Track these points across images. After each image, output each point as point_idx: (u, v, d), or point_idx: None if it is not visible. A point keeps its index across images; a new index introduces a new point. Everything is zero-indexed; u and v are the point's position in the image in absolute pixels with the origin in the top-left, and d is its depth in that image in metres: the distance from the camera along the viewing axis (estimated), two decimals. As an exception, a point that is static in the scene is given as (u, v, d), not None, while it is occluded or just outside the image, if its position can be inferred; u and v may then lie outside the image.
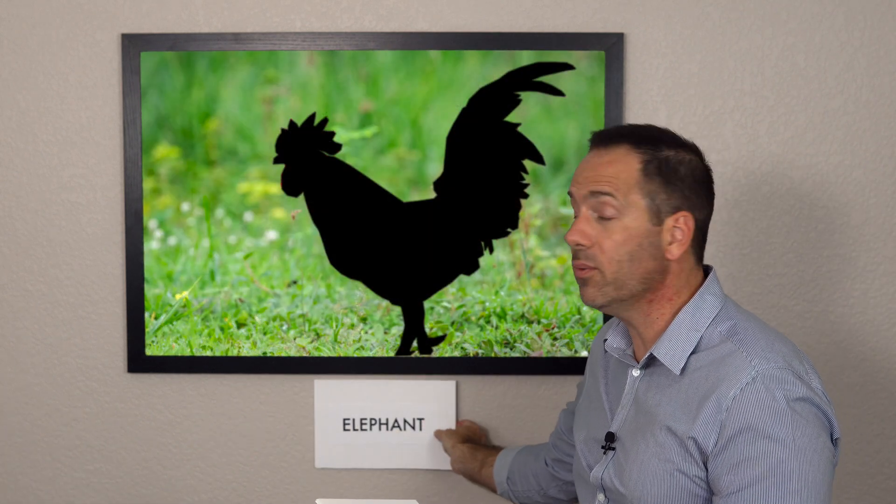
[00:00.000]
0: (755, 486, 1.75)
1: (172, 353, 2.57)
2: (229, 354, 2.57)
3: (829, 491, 1.77)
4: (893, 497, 2.61)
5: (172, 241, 2.56)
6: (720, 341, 1.85)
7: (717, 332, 1.86)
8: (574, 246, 1.88)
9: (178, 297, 2.57)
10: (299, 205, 2.55)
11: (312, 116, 2.53)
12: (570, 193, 1.91)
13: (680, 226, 1.86)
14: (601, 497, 1.96)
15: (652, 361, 1.90)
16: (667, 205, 1.85)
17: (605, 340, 2.00)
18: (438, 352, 2.57)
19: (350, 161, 2.54)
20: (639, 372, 1.92)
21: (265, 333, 2.57)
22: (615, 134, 1.89)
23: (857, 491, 2.61)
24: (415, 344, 2.57)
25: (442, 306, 2.57)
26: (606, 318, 2.54)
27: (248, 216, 2.56)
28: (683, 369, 1.86)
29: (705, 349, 1.86)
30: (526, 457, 2.38)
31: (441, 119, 2.53)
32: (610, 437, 1.94)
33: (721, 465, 1.78)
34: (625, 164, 1.85)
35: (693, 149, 1.90)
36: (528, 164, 2.54)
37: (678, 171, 1.85)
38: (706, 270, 1.93)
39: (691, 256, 1.89)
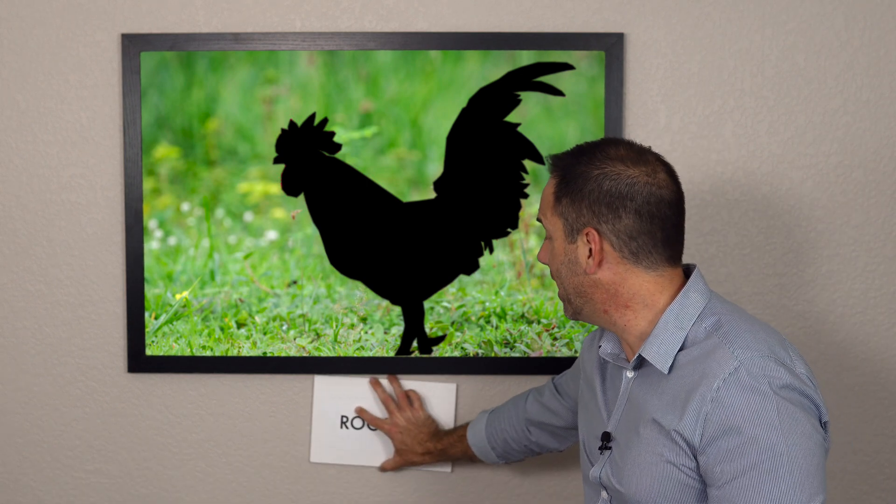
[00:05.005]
0: (748, 473, 1.77)
1: (172, 353, 2.57)
2: (229, 354, 2.57)
3: (821, 473, 1.79)
4: (893, 497, 2.61)
5: (172, 241, 2.56)
6: (705, 336, 1.88)
7: (702, 328, 1.89)
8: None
9: (178, 297, 2.57)
10: (299, 205, 2.55)
11: (312, 116, 2.53)
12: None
13: (588, 242, 1.90)
14: (604, 495, 2.01)
15: (642, 362, 1.94)
16: (577, 223, 1.91)
17: (600, 346, 2.04)
18: (438, 352, 2.57)
19: (350, 161, 2.54)
20: (632, 373, 1.96)
21: (265, 333, 2.57)
22: (555, 159, 1.98)
23: (858, 491, 2.61)
24: (415, 344, 2.57)
25: (442, 306, 2.57)
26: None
27: (248, 216, 2.56)
28: (672, 367, 1.89)
29: (691, 346, 1.89)
30: (500, 422, 2.45)
31: (441, 119, 2.53)
32: (606, 437, 1.98)
33: (712, 456, 1.80)
34: (548, 188, 1.96)
35: (629, 160, 1.89)
36: (528, 164, 2.54)
37: (583, 188, 1.90)
38: (688, 270, 1.95)
39: (624, 265, 1.89)
